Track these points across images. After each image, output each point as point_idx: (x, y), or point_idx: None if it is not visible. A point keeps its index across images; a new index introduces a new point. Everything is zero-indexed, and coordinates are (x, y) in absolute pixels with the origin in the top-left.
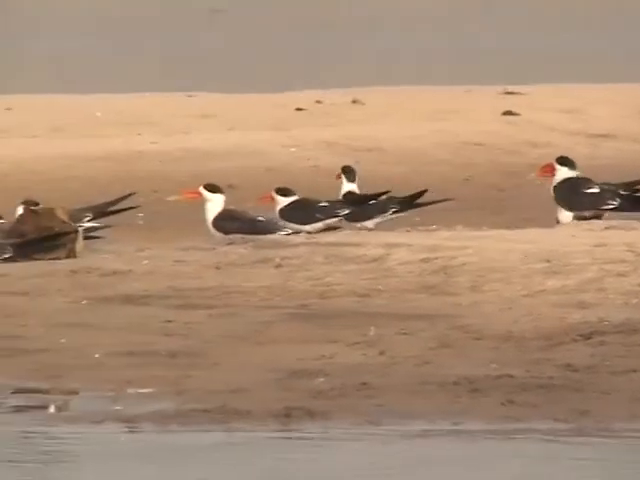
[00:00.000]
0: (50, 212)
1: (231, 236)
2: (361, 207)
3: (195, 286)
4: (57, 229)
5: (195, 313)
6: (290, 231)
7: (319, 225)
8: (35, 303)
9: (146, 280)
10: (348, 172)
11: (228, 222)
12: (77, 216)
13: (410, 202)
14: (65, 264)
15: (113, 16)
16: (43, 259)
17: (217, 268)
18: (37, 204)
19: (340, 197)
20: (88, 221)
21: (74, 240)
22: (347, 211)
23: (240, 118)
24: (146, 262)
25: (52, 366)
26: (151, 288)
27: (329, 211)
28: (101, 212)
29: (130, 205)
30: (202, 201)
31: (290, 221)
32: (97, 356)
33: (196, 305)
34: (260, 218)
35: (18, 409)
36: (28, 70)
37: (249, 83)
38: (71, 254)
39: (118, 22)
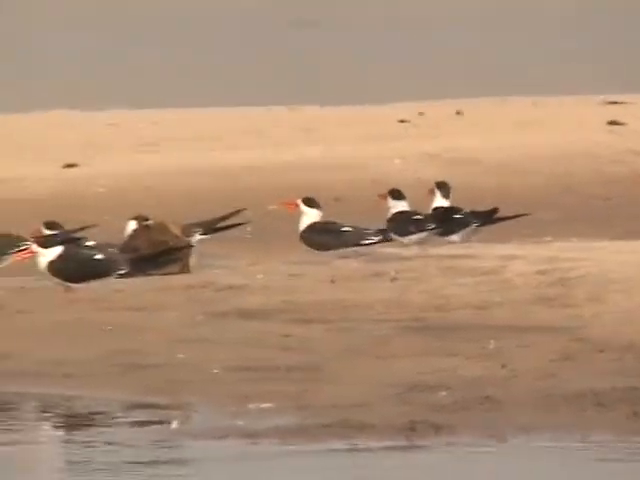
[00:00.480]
0: (163, 227)
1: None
2: (447, 221)
3: (311, 300)
4: (171, 244)
5: (312, 327)
6: (374, 240)
7: (413, 238)
8: (151, 318)
9: (261, 294)
10: (442, 188)
11: (315, 234)
12: (188, 231)
13: (488, 217)
14: (180, 279)
15: (208, 31)
16: (157, 274)
17: (332, 282)
18: (147, 219)
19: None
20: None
21: (188, 255)
22: (434, 225)
23: (343, 131)
24: (260, 276)
25: (170, 381)
26: (267, 302)
27: (421, 225)
28: (211, 228)
29: (239, 221)
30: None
31: (391, 231)
32: (215, 371)
33: (312, 319)
34: (346, 229)
35: (139, 424)
36: (125, 87)
37: (351, 95)
38: (185, 269)
39: (212, 36)
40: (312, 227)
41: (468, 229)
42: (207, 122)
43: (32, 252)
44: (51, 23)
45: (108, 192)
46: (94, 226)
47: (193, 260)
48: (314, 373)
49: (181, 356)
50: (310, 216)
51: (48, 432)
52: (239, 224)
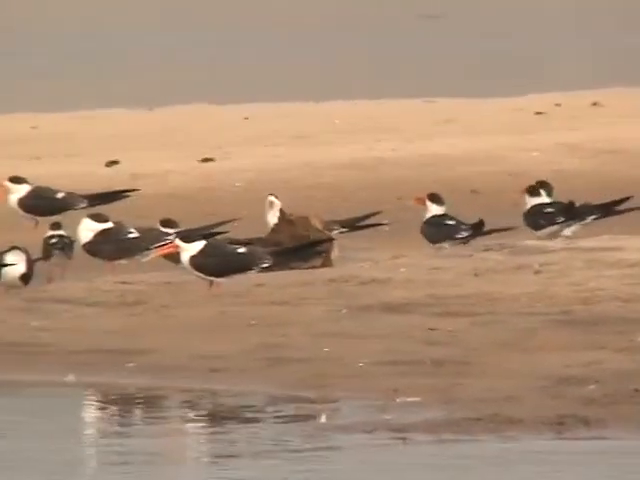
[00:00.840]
0: (305, 221)
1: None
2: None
3: (455, 293)
4: (313, 237)
5: (457, 321)
6: (465, 235)
7: (546, 231)
8: (295, 312)
9: (405, 288)
10: (545, 187)
11: (427, 227)
12: (328, 226)
13: (610, 208)
14: (322, 273)
15: (330, 23)
16: (300, 268)
17: (475, 275)
18: (289, 214)
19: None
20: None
21: (330, 248)
22: (563, 219)
23: (480, 123)
24: (403, 270)
25: (316, 375)
26: (411, 296)
27: (552, 218)
28: (350, 226)
29: (379, 221)
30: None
31: (526, 225)
32: (361, 365)
33: (457, 312)
34: (448, 222)
35: (287, 418)
36: (259, 80)
37: (487, 87)
38: (327, 262)
39: (329, 28)
40: (428, 221)
41: (583, 222)
42: (344, 115)
43: (175, 247)
44: (184, 23)
45: (245, 186)
46: (234, 220)
47: (335, 253)
48: (461, 367)
49: (326, 350)
50: (432, 211)
51: (195, 426)
52: (379, 224)
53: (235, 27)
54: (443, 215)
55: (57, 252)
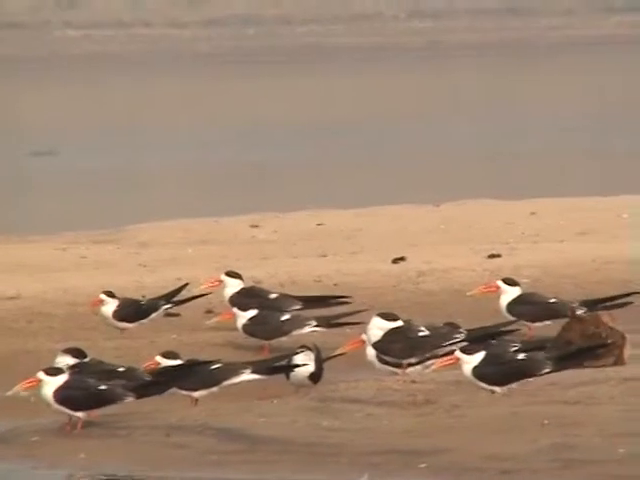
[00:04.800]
0: (596, 318)
1: None
2: None
3: None
4: (604, 335)
5: None
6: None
7: None
8: (587, 412)
9: None
10: None
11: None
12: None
13: None
14: (615, 371)
15: None
16: (592, 366)
17: None
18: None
19: None
20: None
21: (622, 346)
22: None
23: None
24: None
25: (611, 477)
26: None
27: None
28: None
29: None
30: None
31: None
32: None
33: None
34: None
35: None
36: (545, 175)
37: None
38: (619, 361)
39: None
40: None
41: None
42: (632, 209)
43: (455, 359)
44: (466, 116)
45: (531, 283)
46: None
47: (628, 351)
48: None
49: (621, 451)
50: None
51: None
52: None
53: (516, 120)
54: None
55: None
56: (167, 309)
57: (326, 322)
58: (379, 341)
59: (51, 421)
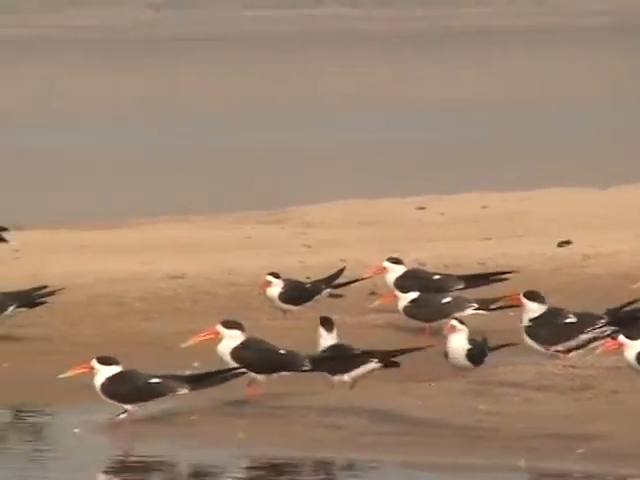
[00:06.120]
0: None
1: None
2: None
3: None
4: None
5: None
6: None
7: None
8: None
9: None
10: None
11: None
12: None
13: None
14: None
15: None
16: None
17: None
18: None
19: None
20: None
21: None
22: None
23: None
24: None
25: None
26: None
27: None
28: None
29: None
30: None
31: None
32: None
33: None
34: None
35: None
36: None
37: None
38: None
39: None
40: None
41: None
42: None
43: (619, 344)
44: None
45: None
46: None
47: None
48: None
49: None
50: None
51: None
52: None
53: None
54: None
55: None
56: (329, 293)
57: (487, 304)
58: (528, 326)
59: (210, 400)
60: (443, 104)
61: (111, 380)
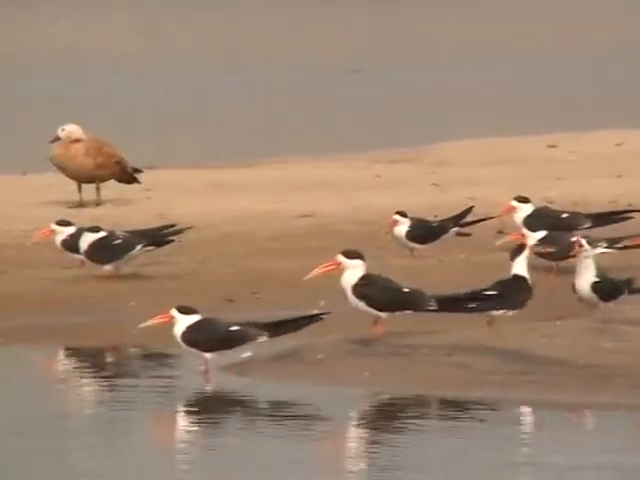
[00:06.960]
0: None
1: None
2: None
3: None
4: None
5: None
6: None
7: None
8: None
9: None
10: None
11: None
12: None
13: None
14: None
15: None
16: None
17: None
18: None
19: None
20: None
21: None
22: None
23: None
24: None
25: None
26: None
27: None
28: None
29: None
30: None
31: None
32: None
33: None
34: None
35: None
36: None
37: None
38: None
39: None
40: None
41: None
42: None
43: None
44: None
45: None
46: None
47: None
48: None
49: None
50: None
51: None
52: None
53: None
54: None
55: None
56: (456, 232)
57: (615, 243)
58: None
59: (336, 339)
60: (584, 50)
61: (191, 328)
